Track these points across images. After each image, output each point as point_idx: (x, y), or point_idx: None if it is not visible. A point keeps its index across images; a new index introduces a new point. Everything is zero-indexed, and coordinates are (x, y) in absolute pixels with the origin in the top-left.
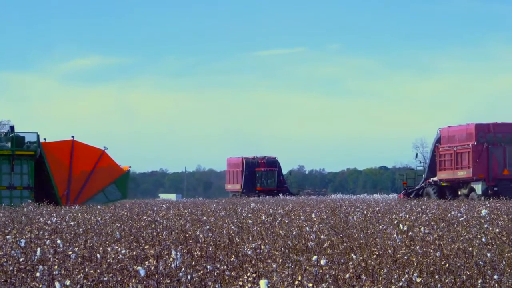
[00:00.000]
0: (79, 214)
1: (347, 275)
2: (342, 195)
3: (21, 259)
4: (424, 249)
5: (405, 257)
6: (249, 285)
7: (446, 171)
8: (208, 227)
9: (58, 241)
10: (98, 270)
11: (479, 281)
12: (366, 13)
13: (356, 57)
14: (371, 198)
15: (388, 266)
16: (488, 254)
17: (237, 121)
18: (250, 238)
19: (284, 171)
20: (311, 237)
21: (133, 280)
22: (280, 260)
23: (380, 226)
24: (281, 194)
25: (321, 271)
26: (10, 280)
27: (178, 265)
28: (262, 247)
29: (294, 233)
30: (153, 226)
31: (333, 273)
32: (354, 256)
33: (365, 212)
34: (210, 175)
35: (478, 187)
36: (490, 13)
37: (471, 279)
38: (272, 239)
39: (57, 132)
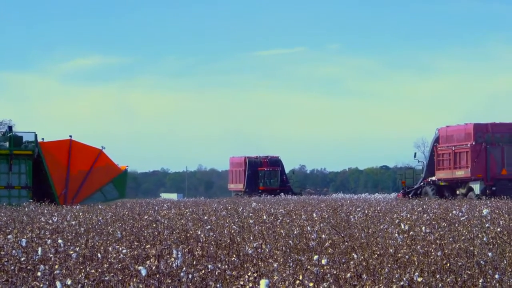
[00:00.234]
0: (80, 214)
1: (348, 275)
2: (343, 195)
3: (22, 259)
4: (425, 249)
5: (406, 257)
6: (250, 285)
7: (444, 170)
8: (209, 226)
9: (59, 241)
10: (99, 270)
11: (480, 281)
12: (366, 13)
13: (356, 57)
14: (372, 198)
15: (389, 265)
16: (489, 254)
17: (238, 121)
18: (251, 238)
19: (286, 170)
20: (312, 236)
21: (134, 280)
22: (281, 260)
23: (381, 226)
24: (282, 194)
25: (322, 270)
26: (11, 279)
27: (179, 265)
28: (263, 246)
29: (295, 232)
30: (154, 225)
31: (334, 272)
32: (355, 256)
33: (366, 211)
34: (212, 174)
35: (476, 187)
36: (490, 13)
37: (472, 279)
38: (273, 238)
39: (58, 131)
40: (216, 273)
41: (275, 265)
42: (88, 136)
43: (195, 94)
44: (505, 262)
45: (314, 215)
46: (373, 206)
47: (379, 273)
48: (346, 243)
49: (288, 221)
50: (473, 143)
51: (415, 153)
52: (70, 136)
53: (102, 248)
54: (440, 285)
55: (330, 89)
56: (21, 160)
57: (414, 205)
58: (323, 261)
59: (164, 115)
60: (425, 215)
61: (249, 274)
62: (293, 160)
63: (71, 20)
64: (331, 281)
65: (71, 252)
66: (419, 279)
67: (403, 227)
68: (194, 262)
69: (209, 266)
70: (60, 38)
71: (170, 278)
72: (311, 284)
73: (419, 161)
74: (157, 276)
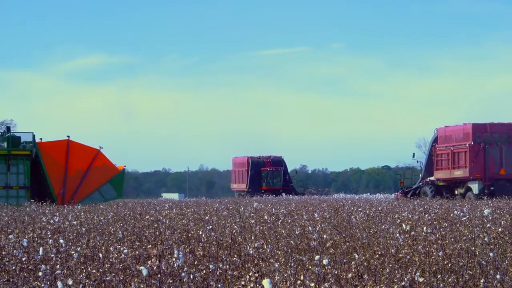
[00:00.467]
0: (82, 214)
1: (350, 275)
2: (345, 195)
3: (23, 259)
4: (427, 249)
5: (408, 257)
6: (252, 285)
7: (443, 170)
8: (210, 226)
9: (61, 241)
10: (101, 270)
11: (482, 281)
12: (369, 13)
13: (359, 56)
14: (373, 198)
15: (391, 265)
16: (491, 254)
17: (239, 121)
18: (252, 238)
19: (288, 170)
20: (314, 236)
21: (136, 280)
22: (283, 260)
23: (383, 226)
24: (283, 194)
25: (323, 270)
26: (12, 279)
27: (180, 265)
28: (265, 246)
29: (296, 232)
30: (155, 225)
31: (336, 272)
32: (356, 256)
33: (367, 211)
34: (213, 174)
35: (475, 187)
36: (490, 13)
37: (473, 279)
38: (275, 238)
39: (58, 131)
40: (218, 273)
41: (276, 265)
42: (89, 136)
43: (196, 94)
44: (506, 262)
45: (316, 215)
46: (374, 206)
47: (381, 273)
48: (348, 243)
49: (289, 221)
50: (472, 143)
51: (414, 153)
52: (68, 136)
53: (103, 248)
54: (441, 285)
55: (332, 88)
56: (19, 160)
57: (416, 205)
58: (325, 261)
59: (165, 115)
60: (426, 215)
61: (250, 274)
62: (295, 160)
63: (72, 20)
64: (333, 281)
65: (73, 252)
66: (421, 279)
67: (404, 227)
68: (196, 262)
69: (211, 266)
70: (61, 38)
71: (172, 278)
72: (312, 284)
73: (417, 161)
74: (159, 276)
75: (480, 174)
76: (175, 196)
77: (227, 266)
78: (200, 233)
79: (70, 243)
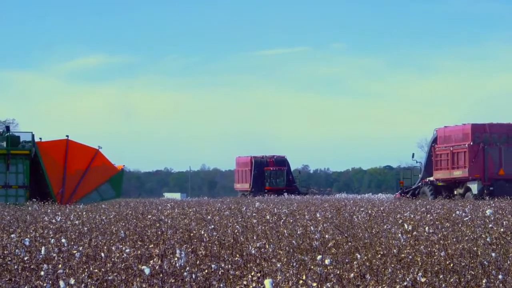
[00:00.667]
0: (84, 213)
1: (352, 275)
2: (347, 195)
3: (25, 258)
4: (429, 249)
5: (410, 257)
6: (254, 285)
7: (442, 170)
8: (212, 226)
9: (63, 240)
10: (103, 269)
11: (484, 281)
12: (369, 12)
13: (360, 56)
14: (375, 198)
15: (393, 265)
16: (493, 254)
17: (241, 121)
18: (254, 238)
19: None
20: (316, 236)
21: (138, 279)
22: (285, 260)
23: (385, 226)
24: (285, 194)
25: (325, 270)
26: (14, 279)
27: (182, 264)
28: (267, 246)
29: (298, 232)
30: (157, 225)
31: (338, 272)
32: (358, 256)
33: (369, 211)
34: (215, 174)
35: (474, 187)
36: (490, 13)
37: (475, 279)
38: (277, 238)
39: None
40: (220, 273)
41: (278, 265)
42: (89, 136)
43: (197, 94)
44: (508, 262)
45: (318, 215)
46: (376, 206)
47: (383, 273)
48: (350, 243)
49: (291, 221)
50: (471, 143)
51: (413, 154)
52: (67, 136)
53: (105, 247)
54: (443, 285)
55: (332, 88)
56: (19, 159)
57: (418, 206)
58: (327, 261)
59: (165, 115)
60: (428, 215)
61: (252, 274)
62: (297, 160)
63: (72, 20)
64: (335, 281)
65: (75, 252)
66: (423, 279)
67: (406, 227)
68: (198, 262)
69: (213, 265)
70: (61, 38)
71: (174, 278)
72: (314, 284)
73: (417, 162)
74: (161, 275)
75: (479, 174)
76: (177, 195)
77: (229, 266)
78: (202, 232)
79: (72, 243)
